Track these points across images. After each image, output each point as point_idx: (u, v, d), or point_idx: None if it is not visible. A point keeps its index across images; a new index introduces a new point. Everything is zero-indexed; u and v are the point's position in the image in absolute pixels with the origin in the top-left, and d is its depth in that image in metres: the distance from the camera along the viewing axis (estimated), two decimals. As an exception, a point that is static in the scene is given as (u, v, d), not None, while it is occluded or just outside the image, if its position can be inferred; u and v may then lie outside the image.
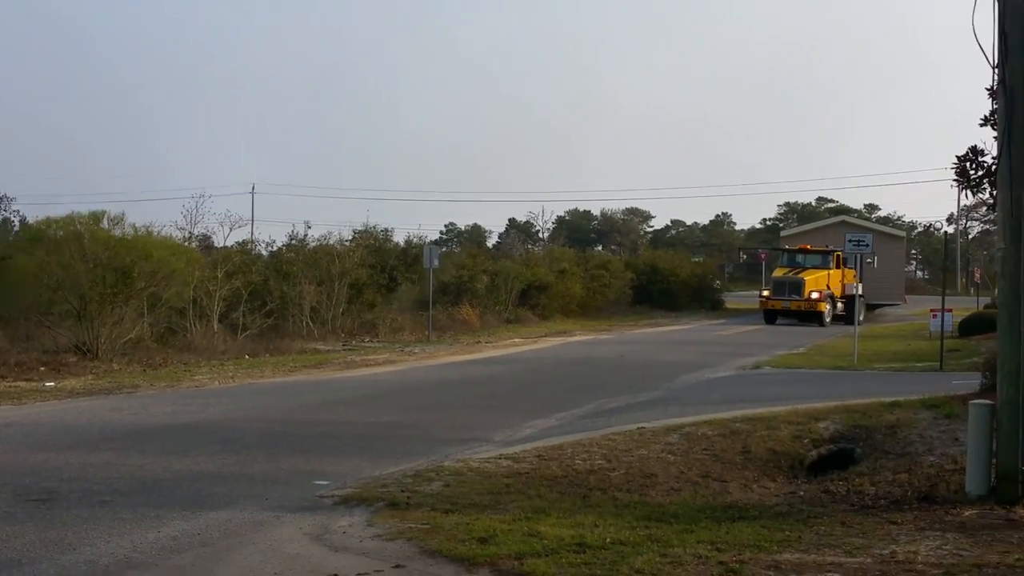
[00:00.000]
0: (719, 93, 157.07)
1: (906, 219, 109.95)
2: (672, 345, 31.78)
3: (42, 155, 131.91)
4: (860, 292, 45.70)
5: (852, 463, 12.54)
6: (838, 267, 46.32)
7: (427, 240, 47.80)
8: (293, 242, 40.00)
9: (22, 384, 20.32)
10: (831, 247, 46.76)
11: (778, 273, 47.48)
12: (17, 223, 37.18)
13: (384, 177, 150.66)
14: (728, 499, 10.50)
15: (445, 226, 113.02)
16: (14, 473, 11.26)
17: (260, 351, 28.37)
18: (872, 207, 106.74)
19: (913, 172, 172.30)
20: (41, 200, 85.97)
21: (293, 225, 76.62)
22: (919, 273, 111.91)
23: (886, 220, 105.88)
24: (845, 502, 10.14)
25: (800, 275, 45.59)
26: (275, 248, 40.45)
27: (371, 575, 7.55)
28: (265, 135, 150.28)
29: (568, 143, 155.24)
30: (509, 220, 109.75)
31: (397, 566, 7.77)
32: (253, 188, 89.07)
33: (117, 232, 28.28)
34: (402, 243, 44.10)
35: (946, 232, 63.31)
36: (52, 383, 20.54)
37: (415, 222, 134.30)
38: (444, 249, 62.40)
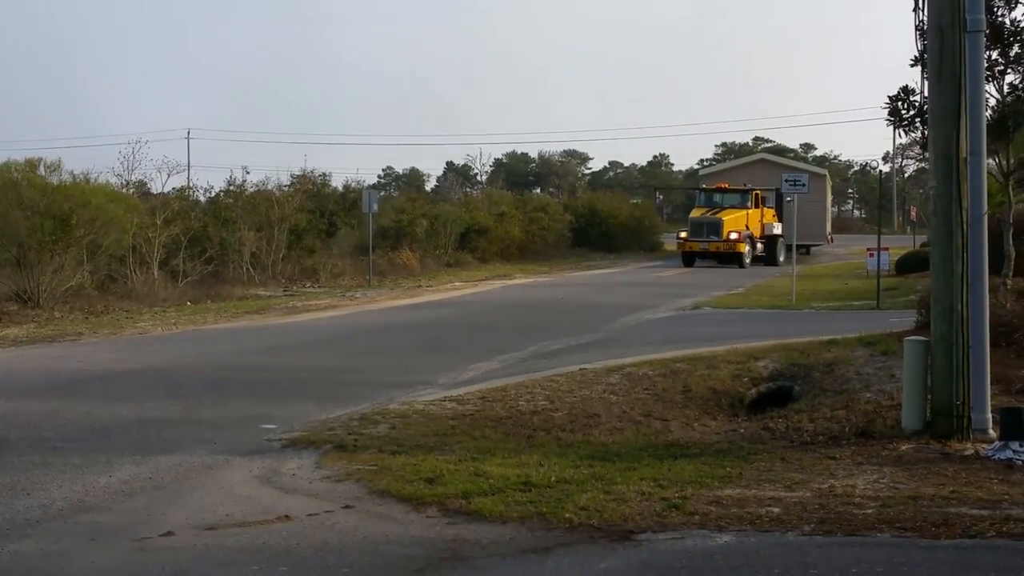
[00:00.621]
0: (655, 34, 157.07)
1: (843, 158, 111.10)
2: (612, 287, 32.05)
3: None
4: (780, 232, 45.25)
5: (791, 401, 12.84)
6: (757, 207, 45.29)
7: (366, 184, 47.50)
8: (231, 188, 39.59)
9: (-39, 333, 20.10)
10: (749, 185, 45.95)
11: (695, 214, 45.66)
12: (-51, 170, 36.38)
13: (321, 122, 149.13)
14: (670, 437, 10.76)
15: (383, 170, 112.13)
16: (-39, 422, 11.23)
17: (202, 298, 28.21)
18: (808, 146, 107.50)
19: (850, 111, 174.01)
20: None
21: (231, 171, 75.75)
22: (856, 212, 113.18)
23: (822, 159, 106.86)
24: (784, 439, 10.41)
25: (718, 215, 44.12)
26: (213, 194, 40.06)
27: (321, 515, 7.69)
28: (200, 80, 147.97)
29: (505, 84, 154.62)
30: (447, 163, 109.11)
31: (346, 506, 7.92)
32: (189, 133, 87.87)
33: (54, 179, 28.02)
34: (341, 188, 43.84)
35: (880, 171, 63.37)
36: (-7, 332, 20.32)
37: (353, 166, 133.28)
38: (383, 193, 62.24)
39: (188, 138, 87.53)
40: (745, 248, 43.22)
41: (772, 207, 45.75)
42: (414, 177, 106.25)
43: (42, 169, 28.23)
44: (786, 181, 28.14)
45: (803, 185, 28.06)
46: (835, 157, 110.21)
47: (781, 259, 44.40)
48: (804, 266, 41.43)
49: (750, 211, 44.54)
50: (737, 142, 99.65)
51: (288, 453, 9.78)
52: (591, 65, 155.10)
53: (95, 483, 8.64)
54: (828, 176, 53.38)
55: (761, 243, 44.73)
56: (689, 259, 44.17)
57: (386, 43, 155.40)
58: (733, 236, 42.94)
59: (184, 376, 14.53)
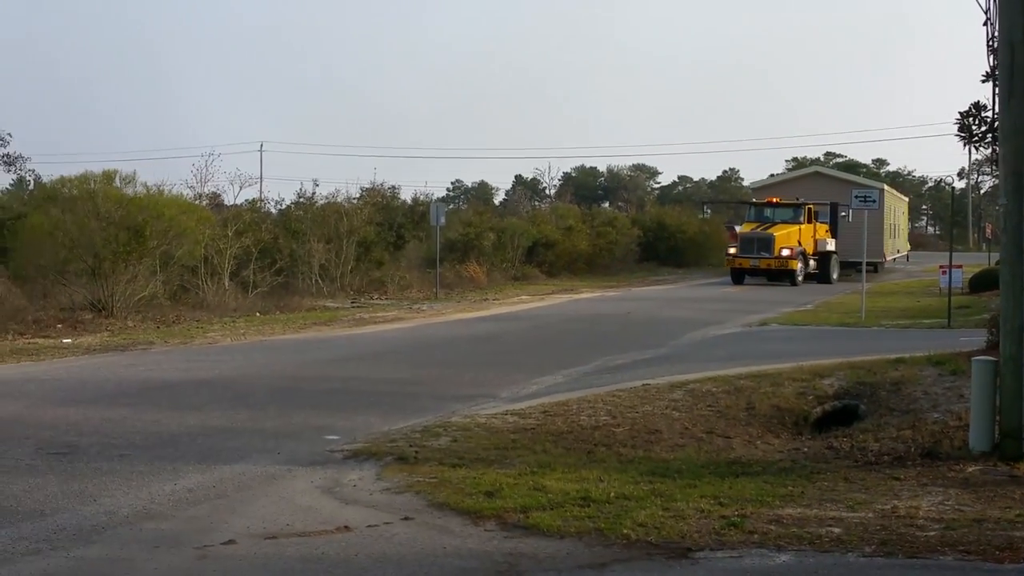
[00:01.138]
0: (728, 48, 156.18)
1: (917, 174, 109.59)
2: (678, 302, 31.88)
3: (53, 113, 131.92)
4: (834, 248, 43.43)
5: (856, 419, 12.69)
6: (809, 221, 43.15)
7: (434, 197, 47.78)
8: (301, 200, 40.10)
9: (40, 341, 20.60)
10: (801, 199, 43.74)
11: (745, 229, 43.18)
12: (32, 182, 37.26)
13: (392, 135, 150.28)
14: (731, 455, 10.67)
15: (452, 183, 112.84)
16: (36, 427, 11.52)
17: (271, 308, 28.57)
18: (881, 162, 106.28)
19: (924, 126, 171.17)
20: (53, 159, 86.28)
21: (301, 183, 76.73)
22: (930, 229, 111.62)
23: (896, 175, 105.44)
24: (848, 458, 10.29)
25: (769, 230, 41.78)
26: (284, 206, 40.57)
27: (381, 527, 7.74)
28: (274, 93, 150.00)
29: (575, 99, 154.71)
30: (516, 177, 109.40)
31: (406, 518, 7.96)
32: (262, 146, 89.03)
33: (129, 191, 28.52)
34: (409, 201, 44.15)
35: (953, 187, 62.10)
36: (69, 340, 20.79)
37: (422, 179, 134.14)
38: (451, 206, 62.56)
39: (261, 150, 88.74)
40: (798, 265, 41.28)
41: (826, 222, 44.19)
42: (482, 190, 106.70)
43: (118, 181, 28.79)
44: (856, 197, 27.81)
45: (873, 201, 27.82)
46: (909, 173, 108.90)
47: (835, 277, 43.22)
48: (875, 283, 40.83)
49: (803, 226, 42.70)
50: (808, 157, 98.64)
51: (350, 464, 9.87)
52: (661, 78, 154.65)
53: (160, 491, 8.79)
54: (888, 189, 50.59)
55: (814, 260, 42.94)
56: (739, 276, 42.16)
57: (456, 55, 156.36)
58: (785, 253, 41.01)
59: (250, 386, 14.72)
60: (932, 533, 7.40)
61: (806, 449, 11.08)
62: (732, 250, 42.38)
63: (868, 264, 46.81)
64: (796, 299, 33.18)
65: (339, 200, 39.69)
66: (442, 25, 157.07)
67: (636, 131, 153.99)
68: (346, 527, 7.72)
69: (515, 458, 9.97)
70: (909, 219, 67.88)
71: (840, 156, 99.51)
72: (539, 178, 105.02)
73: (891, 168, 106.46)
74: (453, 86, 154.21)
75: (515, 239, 43.84)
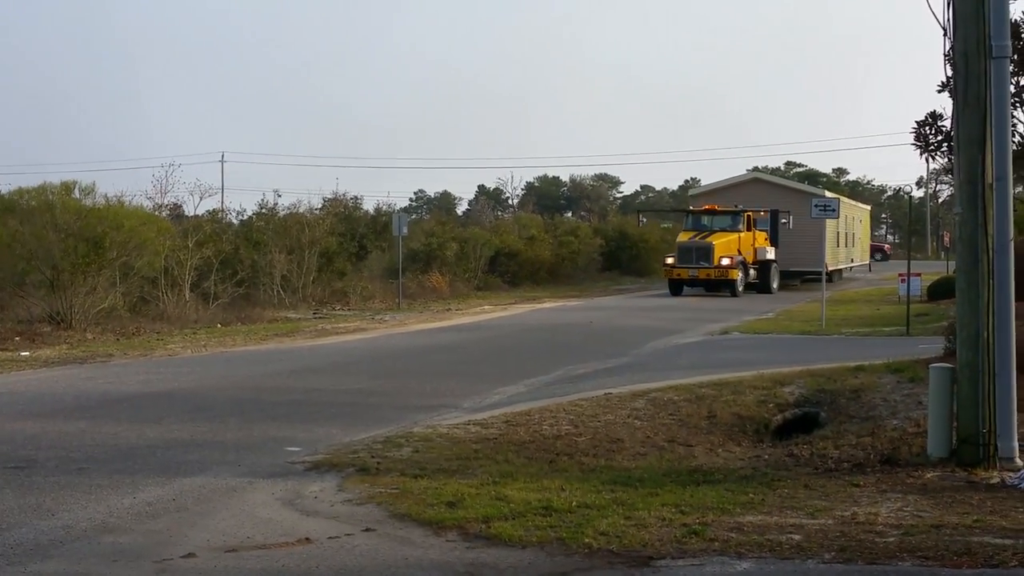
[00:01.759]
0: (688, 57, 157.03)
1: (876, 183, 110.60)
2: (641, 311, 32.01)
3: (11, 124, 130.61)
4: (774, 257, 42.28)
5: (817, 427, 12.77)
6: (749, 229, 41.56)
7: (396, 208, 47.83)
8: (263, 211, 40.07)
9: (-4, 353, 20.36)
10: (740, 207, 42.42)
11: (683, 238, 41.60)
12: (-11, 193, 36.95)
13: (353, 145, 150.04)
14: (693, 463, 10.71)
15: (415, 193, 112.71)
16: (-9, 441, 11.36)
17: (232, 320, 28.43)
18: (841, 171, 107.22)
19: (882, 136, 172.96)
20: (11, 170, 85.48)
21: (263, 193, 77.02)
22: (890, 237, 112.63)
23: (855, 184, 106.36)
24: (808, 465, 10.34)
25: (708, 239, 40.25)
26: (245, 217, 40.50)
27: (342, 538, 7.71)
28: (235, 103, 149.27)
29: (537, 108, 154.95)
30: (479, 187, 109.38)
31: (367, 529, 7.94)
32: (222, 156, 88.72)
33: (88, 202, 28.33)
34: (371, 211, 44.18)
35: (911, 196, 62.66)
36: (27, 353, 20.59)
37: (384, 189, 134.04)
38: (413, 217, 62.43)
39: (222, 161, 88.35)
40: (738, 275, 39.87)
41: (765, 230, 42.90)
42: (445, 200, 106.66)
43: (77, 192, 28.58)
44: (815, 206, 28.01)
45: (833, 210, 28.01)
46: (868, 182, 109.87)
47: (775, 286, 42.38)
48: (835, 291, 41.20)
49: (742, 234, 41.15)
50: (769, 166, 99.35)
51: (311, 476, 9.82)
52: (622, 88, 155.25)
53: (119, 504, 8.71)
54: (843, 199, 47.83)
55: (754, 269, 41.45)
56: (677, 287, 40.92)
57: (418, 65, 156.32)
58: (725, 262, 39.64)
59: (211, 398, 14.63)
60: (891, 539, 7.46)
61: (767, 457, 11.14)
62: (670, 260, 41.24)
63: (807, 273, 44.74)
64: (757, 308, 33.38)
65: (301, 211, 39.71)
66: (405, 35, 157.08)
67: (598, 141, 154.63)
68: (307, 539, 7.69)
69: (477, 468, 9.97)
70: (871, 228, 67.89)
71: (801, 166, 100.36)
72: (502, 188, 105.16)
73: (851, 177, 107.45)
74: (416, 96, 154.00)
75: (478, 249, 43.89)
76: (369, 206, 45.22)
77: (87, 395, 14.88)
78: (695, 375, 15.72)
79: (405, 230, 36.87)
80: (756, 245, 41.81)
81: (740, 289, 39.80)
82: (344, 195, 43.03)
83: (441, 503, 8.52)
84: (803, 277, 46.19)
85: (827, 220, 45.17)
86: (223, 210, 44.08)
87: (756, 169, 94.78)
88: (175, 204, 42.93)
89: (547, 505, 8.39)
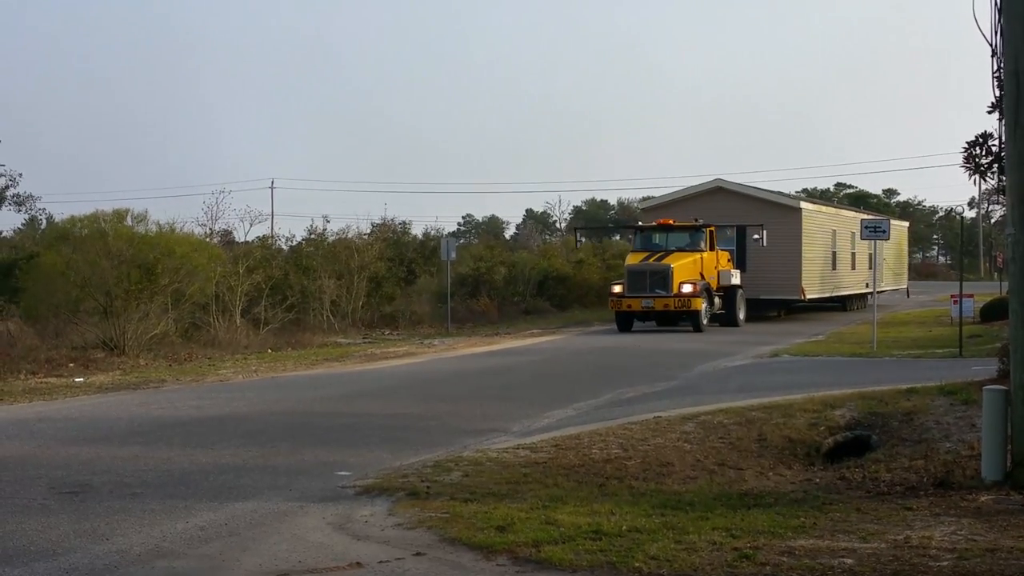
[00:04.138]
0: (733, 80, 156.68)
1: (927, 203, 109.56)
2: (689, 334, 31.82)
3: (65, 153, 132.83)
4: (739, 282, 35.08)
5: (868, 450, 12.64)
6: (711, 249, 34.65)
7: (445, 232, 48.04)
8: (312, 236, 40.38)
9: (53, 380, 20.68)
10: (700, 221, 34.97)
11: (632, 260, 34.27)
12: (44, 221, 37.63)
13: (402, 170, 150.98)
14: (744, 487, 10.64)
15: (463, 218, 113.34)
16: (48, 467, 11.54)
17: (282, 345, 28.66)
18: (891, 192, 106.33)
19: (934, 156, 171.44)
20: (64, 198, 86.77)
21: (312, 219, 77.66)
22: (941, 258, 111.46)
23: (906, 205, 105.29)
24: (860, 489, 10.25)
25: (664, 261, 33.18)
26: (295, 243, 40.84)
27: (392, 563, 7.74)
28: (283, 130, 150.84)
29: (584, 133, 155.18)
30: (526, 211, 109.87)
31: (417, 554, 7.96)
32: (272, 183, 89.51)
33: (140, 229, 28.78)
34: (420, 236, 44.39)
35: (963, 216, 61.65)
36: (81, 379, 20.87)
37: (433, 214, 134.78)
38: (462, 241, 62.78)
39: (271, 187, 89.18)
40: (702, 304, 32.74)
41: (728, 249, 36.15)
42: (493, 225, 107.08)
43: (129, 219, 29.08)
44: (866, 228, 27.52)
45: (884, 232, 27.43)
46: (920, 203, 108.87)
47: (742, 318, 35.38)
48: (886, 312, 40.55)
49: (704, 255, 34.13)
50: (819, 187, 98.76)
51: (361, 500, 9.86)
52: (674, 111, 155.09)
53: (172, 529, 8.80)
54: (811, 210, 40.78)
55: (718, 296, 34.32)
56: (626, 321, 33.47)
57: (468, 90, 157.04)
58: (686, 289, 32.40)
59: (262, 423, 14.74)
60: (945, 563, 7.37)
61: (818, 480, 11.04)
62: (617, 288, 33.56)
63: (788, 301, 38.63)
64: (808, 329, 33.16)
65: (350, 236, 39.99)
66: (453, 60, 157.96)
67: (645, 164, 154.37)
68: (358, 563, 7.72)
69: (527, 492, 9.96)
70: (910, 247, 61.08)
71: (850, 187, 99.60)
72: (549, 211, 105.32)
73: (901, 198, 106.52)
74: (464, 121, 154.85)
75: (526, 273, 43.92)
76: (418, 231, 45.53)
77: (140, 420, 15.06)
78: (745, 398, 15.64)
79: (453, 254, 37.03)
80: (719, 267, 34.93)
81: (704, 322, 32.92)
82: (393, 220, 43.37)
83: (491, 527, 8.53)
84: (789, 306, 40.06)
85: (837, 240, 40.82)
86: (273, 236, 44.58)
87: (805, 191, 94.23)
88: (226, 230, 43.48)
89: (597, 529, 8.37)
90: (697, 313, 32.50)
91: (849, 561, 7.46)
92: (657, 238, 35.07)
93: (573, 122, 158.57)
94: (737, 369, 21.87)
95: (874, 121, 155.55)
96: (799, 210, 38.52)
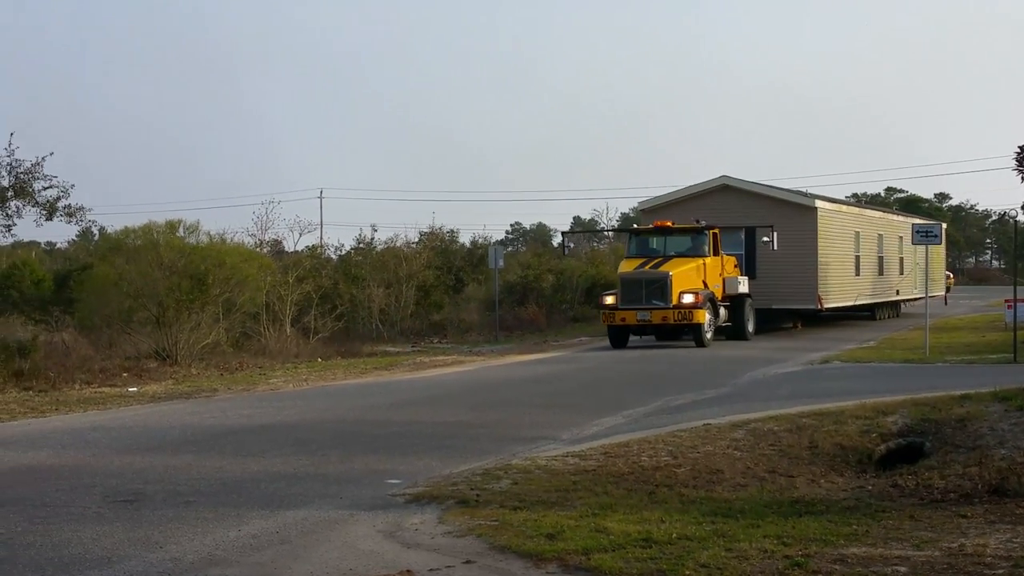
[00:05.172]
0: (787, 82, 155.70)
1: (980, 207, 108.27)
2: (738, 341, 31.60)
3: (117, 165, 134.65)
4: (747, 290, 31.90)
5: (921, 457, 12.52)
6: (716, 253, 31.01)
7: (492, 240, 48.08)
8: (361, 245, 40.59)
9: (106, 390, 20.96)
10: (703, 223, 31.22)
11: (626, 267, 30.76)
12: (96, 233, 38.16)
13: (449, 178, 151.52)
14: (795, 494, 10.58)
15: (511, 225, 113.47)
16: (103, 475, 11.69)
17: (332, 354, 28.85)
18: (943, 196, 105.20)
19: (987, 159, 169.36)
20: (117, 209, 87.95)
21: (360, 229, 77.88)
22: (995, 263, 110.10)
23: (958, 209, 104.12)
24: (914, 496, 10.16)
25: (662, 268, 29.62)
26: (344, 252, 41.10)
27: (442, 570, 7.76)
28: (332, 140, 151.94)
29: (634, 138, 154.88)
30: (574, 218, 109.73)
31: (467, 562, 7.98)
32: (321, 193, 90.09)
33: (192, 240, 29.08)
34: (468, 244, 44.49)
35: (1015, 220, 60.62)
36: (135, 388, 21.13)
37: (480, 222, 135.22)
38: (509, 249, 62.81)
39: (320, 197, 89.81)
40: (705, 317, 29.25)
41: (735, 254, 32.76)
42: (541, 232, 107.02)
43: (181, 230, 29.38)
44: (917, 232, 27.16)
45: (936, 236, 27.06)
46: (972, 207, 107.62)
47: (751, 330, 31.80)
48: (940, 318, 39.81)
49: (707, 260, 30.52)
50: (868, 192, 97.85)
51: (411, 508, 9.90)
52: (716, 112, 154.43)
53: (225, 537, 8.88)
54: (828, 209, 36.56)
55: (724, 307, 30.76)
56: (620, 337, 30.08)
57: (513, 101, 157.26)
58: (687, 299, 28.94)
59: (313, 431, 14.84)
60: (1000, 571, 7.29)
61: (870, 487, 10.95)
62: (609, 299, 30.18)
63: (800, 310, 34.79)
64: (859, 336, 32.83)
65: (398, 245, 40.19)
66: (505, 68, 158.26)
67: (694, 169, 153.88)
68: (408, 571, 7.75)
69: (576, 500, 9.95)
70: (962, 252, 60.96)
71: (901, 191, 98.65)
72: (597, 219, 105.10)
73: (953, 202, 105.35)
74: (512, 128, 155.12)
75: (574, 281, 43.86)
76: (465, 239, 45.63)
77: (193, 429, 15.21)
78: (795, 405, 15.53)
79: (501, 262, 37.06)
80: (725, 275, 31.39)
81: (708, 336, 29.48)
82: (440, 228, 43.51)
83: (541, 535, 8.52)
84: (807, 316, 36.28)
85: (861, 243, 36.80)
86: (322, 245, 44.88)
87: (855, 195, 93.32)
88: (275, 240, 43.80)
89: (647, 537, 8.34)
90: (699, 326, 29.15)
91: (903, 569, 7.39)
92: (654, 242, 31.58)
93: (622, 127, 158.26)
94: (787, 376, 21.70)
95: (926, 124, 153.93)
96: (815, 209, 34.82)
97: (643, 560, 7.74)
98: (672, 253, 30.47)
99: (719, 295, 30.58)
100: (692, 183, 36.71)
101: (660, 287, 29.07)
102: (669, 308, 28.86)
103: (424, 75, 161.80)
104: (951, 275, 67.54)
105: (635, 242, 32.21)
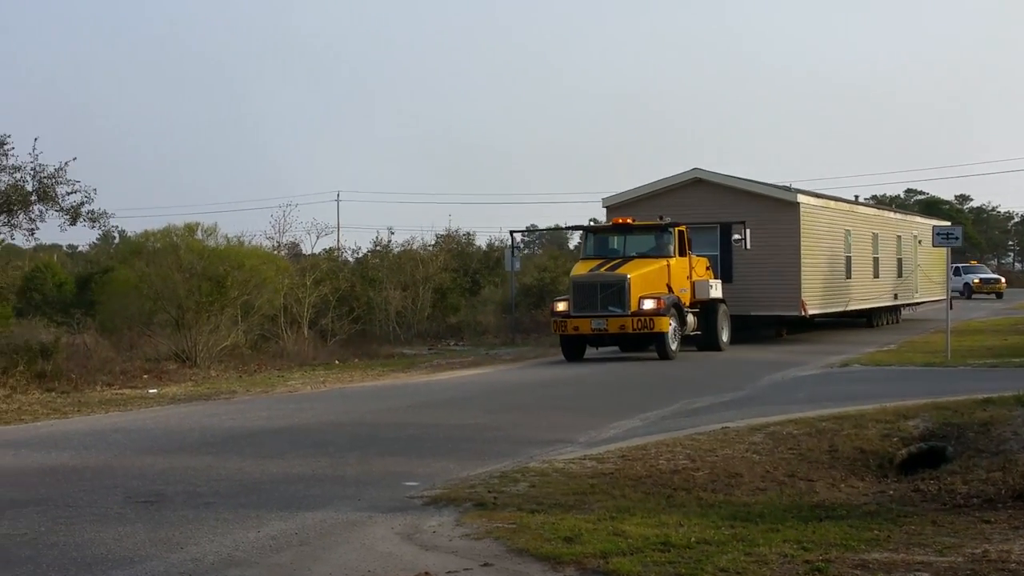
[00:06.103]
0: (813, 83, 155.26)
1: (1002, 209, 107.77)
2: (758, 343, 31.50)
3: (138, 169, 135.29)
4: (719, 295, 28.83)
5: (944, 461, 12.43)
6: (683, 254, 27.86)
7: (508, 243, 48.06)
8: (378, 248, 40.64)
9: (127, 391, 21.07)
10: (667, 219, 27.97)
11: (580, 269, 27.45)
12: (117, 236, 38.40)
13: (465, 181, 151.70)
14: (815, 498, 10.52)
15: (527, 227, 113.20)
16: (124, 476, 11.73)
17: (349, 356, 28.90)
18: (964, 198, 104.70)
19: (1009, 160, 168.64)
20: (137, 213, 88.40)
21: (377, 231, 78.03)
22: (1016, 264, 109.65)
23: (979, 211, 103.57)
24: (936, 501, 10.09)
25: (619, 270, 26.50)
26: (360, 255, 41.17)
27: (460, 573, 7.75)
28: (349, 143, 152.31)
29: (646, 140, 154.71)
30: (591, 220, 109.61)
31: (485, 564, 7.96)
32: (338, 196, 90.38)
33: (211, 243, 29.27)
34: (484, 246, 44.48)
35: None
36: (155, 390, 21.22)
37: (497, 225, 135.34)
38: (525, 251, 62.70)
39: (337, 200, 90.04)
40: (669, 325, 25.99)
41: (708, 255, 29.94)
42: (557, 235, 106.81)
43: (200, 233, 29.58)
44: (938, 234, 26.84)
45: (956, 238, 26.71)
46: (994, 208, 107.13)
47: (725, 339, 28.71)
48: (961, 320, 39.16)
49: (672, 261, 27.22)
50: (887, 194, 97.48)
51: (429, 510, 9.89)
52: (731, 113, 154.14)
53: (244, 538, 8.89)
54: (812, 204, 33.32)
55: (692, 313, 27.57)
56: (574, 348, 26.93)
57: (525, 103, 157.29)
58: (648, 305, 25.82)
59: (331, 433, 14.85)
60: (1024, 577, 7.22)
61: (892, 492, 10.89)
62: (561, 306, 26.81)
63: (784, 316, 32.05)
64: (879, 339, 32.67)
65: (414, 247, 40.22)
66: (514, 71, 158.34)
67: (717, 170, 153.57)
68: (426, 573, 7.74)
69: (594, 503, 9.93)
70: (984, 253, 59.76)
71: (921, 193, 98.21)
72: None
73: (975, 204, 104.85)
74: (526, 130, 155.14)
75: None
76: (481, 242, 45.67)
77: (212, 431, 15.24)
78: (815, 408, 15.46)
79: (518, 265, 36.99)
80: (694, 277, 28.33)
81: (674, 346, 26.39)
82: (457, 231, 43.52)
83: (558, 538, 8.50)
84: (791, 323, 33.18)
85: (852, 242, 33.60)
86: (339, 248, 44.97)
87: (874, 197, 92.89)
88: (293, 243, 43.84)
89: (665, 541, 8.31)
90: (663, 335, 25.90)
91: (925, 575, 7.34)
92: (614, 242, 28.26)
93: (641, 127, 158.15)
94: (807, 379, 21.59)
95: (946, 124, 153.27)
96: (796, 205, 31.56)
97: (661, 564, 7.71)
98: (633, 254, 27.41)
99: (686, 300, 27.49)
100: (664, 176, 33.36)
101: (617, 291, 26.05)
102: (627, 315, 25.82)
103: (441, 78, 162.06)
104: (1002, 279, 63.58)
105: (592, 241, 28.88)
